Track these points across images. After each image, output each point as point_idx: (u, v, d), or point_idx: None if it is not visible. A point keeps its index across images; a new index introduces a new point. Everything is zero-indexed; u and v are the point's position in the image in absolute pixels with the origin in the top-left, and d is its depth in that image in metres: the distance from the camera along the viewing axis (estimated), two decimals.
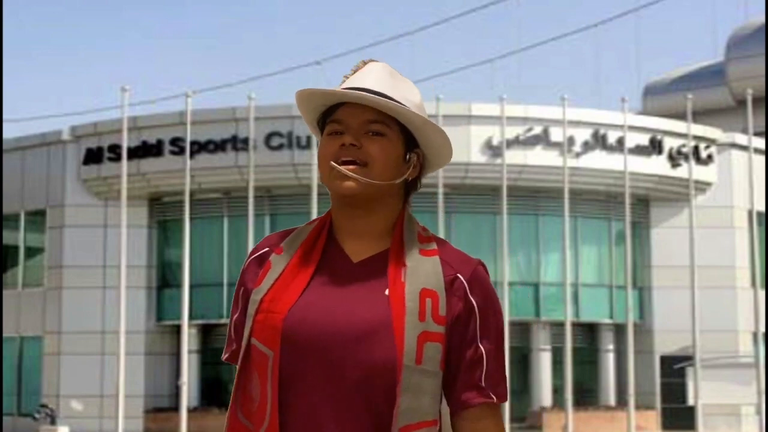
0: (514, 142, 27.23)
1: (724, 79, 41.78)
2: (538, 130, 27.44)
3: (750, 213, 28.16)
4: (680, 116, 29.64)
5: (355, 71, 2.26)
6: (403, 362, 2.06)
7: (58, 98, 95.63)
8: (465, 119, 27.20)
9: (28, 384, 29.54)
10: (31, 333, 29.50)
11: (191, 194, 25.77)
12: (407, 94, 2.23)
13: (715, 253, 28.63)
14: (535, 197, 28.29)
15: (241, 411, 2.17)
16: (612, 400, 29.06)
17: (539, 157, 27.42)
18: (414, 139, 2.24)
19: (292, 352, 2.09)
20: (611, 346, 29.44)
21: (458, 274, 2.16)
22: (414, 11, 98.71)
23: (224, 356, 2.27)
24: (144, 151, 27.91)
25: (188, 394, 25.15)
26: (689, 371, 26.90)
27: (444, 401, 2.19)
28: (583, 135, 27.71)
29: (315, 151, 23.87)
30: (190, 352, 25.90)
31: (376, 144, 2.17)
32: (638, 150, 27.96)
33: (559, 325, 27.12)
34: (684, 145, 28.33)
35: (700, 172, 28.60)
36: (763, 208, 28.22)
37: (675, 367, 27.93)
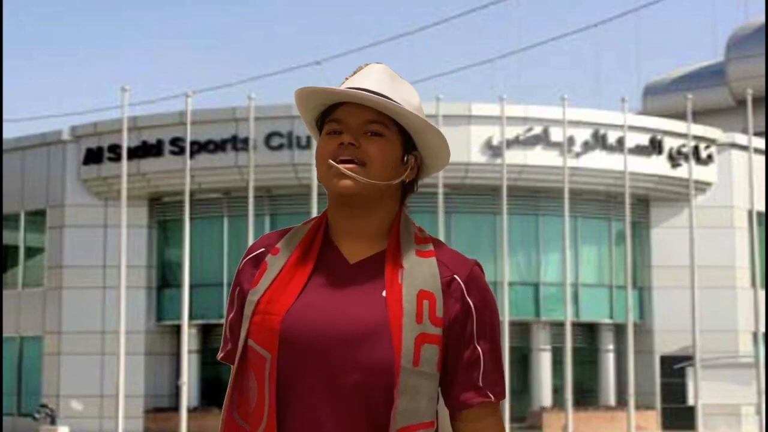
0: (514, 142, 27.23)
1: (724, 79, 41.78)
2: (538, 130, 27.44)
3: (750, 213, 28.17)
4: (680, 116, 29.64)
5: (355, 73, 2.26)
6: (401, 364, 2.06)
7: (58, 98, 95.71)
8: (465, 119, 27.20)
9: (28, 384, 29.54)
10: (31, 333, 29.51)
11: (191, 194, 25.77)
12: (407, 96, 2.23)
13: (715, 253, 28.63)
14: (535, 197, 28.29)
15: (238, 412, 2.17)
16: (612, 400, 29.06)
17: (539, 157, 27.43)
18: (412, 141, 2.24)
19: (290, 354, 2.09)
20: (611, 346, 29.44)
21: (455, 275, 2.16)
22: (414, 11, 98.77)
23: (220, 356, 2.27)
24: (144, 151, 27.91)
25: (188, 394, 25.16)
26: (689, 371, 26.90)
27: (441, 402, 2.19)
28: (583, 135, 27.71)
29: (315, 151, 23.84)
30: (190, 352, 25.91)
31: (375, 144, 2.17)
32: (638, 150, 27.96)
33: (559, 325, 27.12)
34: (684, 145, 28.33)
35: (700, 172, 28.60)
36: (763, 208, 28.22)
37: (675, 367, 27.93)
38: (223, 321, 2.33)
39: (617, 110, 28.20)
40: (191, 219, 25.33)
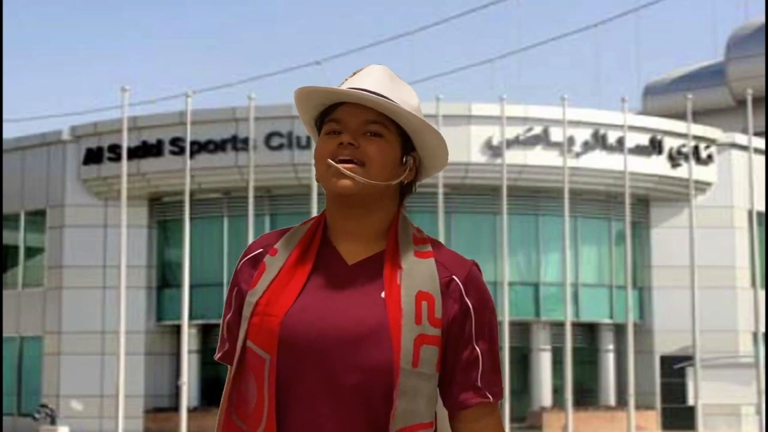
0: (514, 142, 27.23)
1: (724, 79, 41.78)
2: (538, 130, 27.43)
3: (750, 213, 28.16)
4: (680, 116, 29.64)
5: (355, 74, 2.26)
6: (400, 365, 2.06)
7: (58, 98, 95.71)
8: (465, 119, 27.20)
9: (28, 384, 29.54)
10: (31, 333, 29.50)
11: (191, 194, 25.77)
12: (406, 97, 2.23)
13: (715, 253, 28.63)
14: (535, 197, 28.29)
15: (236, 413, 2.17)
16: (612, 400, 29.06)
17: (539, 157, 27.42)
18: (411, 142, 2.24)
19: (290, 356, 2.09)
20: (611, 346, 29.43)
21: (453, 276, 2.17)
22: (414, 11, 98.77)
23: (217, 356, 2.27)
24: (144, 151, 27.91)
25: (188, 394, 25.16)
26: (689, 371, 26.90)
27: (440, 402, 2.19)
28: (583, 135, 27.71)
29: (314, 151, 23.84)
30: (190, 352, 25.91)
31: (374, 144, 2.17)
32: (638, 150, 27.96)
33: (559, 325, 27.12)
34: (684, 145, 28.33)
35: (700, 172, 28.60)
36: (763, 208, 28.22)
37: (675, 367, 27.93)
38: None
39: (617, 110, 28.20)
40: (191, 219, 25.33)
